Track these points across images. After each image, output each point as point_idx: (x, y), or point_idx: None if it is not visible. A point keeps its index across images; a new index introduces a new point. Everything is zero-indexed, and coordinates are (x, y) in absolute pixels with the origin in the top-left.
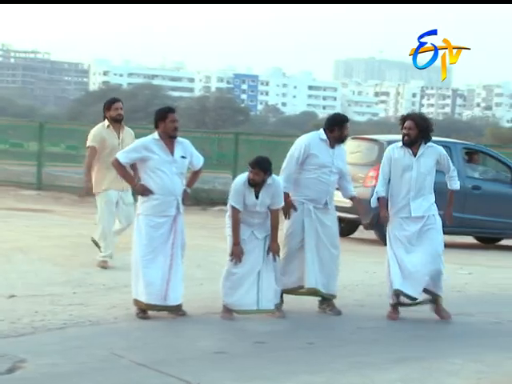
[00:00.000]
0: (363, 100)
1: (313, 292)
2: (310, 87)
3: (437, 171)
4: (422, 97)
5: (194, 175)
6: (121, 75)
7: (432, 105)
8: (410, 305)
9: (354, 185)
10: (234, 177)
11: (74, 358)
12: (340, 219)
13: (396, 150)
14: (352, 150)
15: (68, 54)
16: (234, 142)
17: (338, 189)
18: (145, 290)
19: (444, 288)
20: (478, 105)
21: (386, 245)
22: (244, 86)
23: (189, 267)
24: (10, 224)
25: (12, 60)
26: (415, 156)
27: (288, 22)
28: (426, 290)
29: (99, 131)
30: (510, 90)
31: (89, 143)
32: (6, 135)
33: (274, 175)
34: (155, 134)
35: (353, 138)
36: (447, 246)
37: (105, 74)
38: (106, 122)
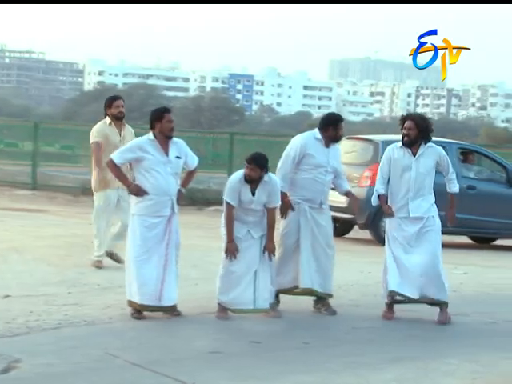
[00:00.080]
0: (358, 100)
1: (308, 292)
2: (305, 87)
3: (436, 172)
4: (417, 97)
5: (189, 175)
6: (116, 75)
7: (427, 105)
8: (405, 302)
9: (349, 185)
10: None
11: (68, 357)
12: (335, 219)
13: (396, 150)
14: (347, 149)
15: (63, 53)
16: (229, 142)
17: (333, 189)
18: (139, 290)
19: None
20: (473, 105)
21: (381, 245)
22: (239, 86)
23: (184, 267)
24: (5, 224)
25: (7, 60)
26: (415, 156)
27: (283, 22)
28: (431, 303)
29: (102, 128)
30: (504, 90)
31: (93, 139)
32: (1, 135)
33: (270, 173)
34: (150, 135)
35: (348, 138)
36: (443, 245)
37: (100, 73)
38: (108, 120)
